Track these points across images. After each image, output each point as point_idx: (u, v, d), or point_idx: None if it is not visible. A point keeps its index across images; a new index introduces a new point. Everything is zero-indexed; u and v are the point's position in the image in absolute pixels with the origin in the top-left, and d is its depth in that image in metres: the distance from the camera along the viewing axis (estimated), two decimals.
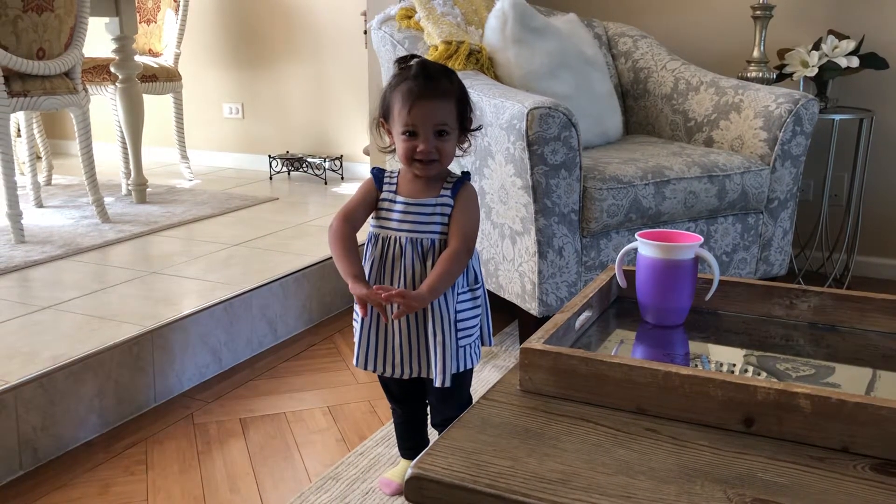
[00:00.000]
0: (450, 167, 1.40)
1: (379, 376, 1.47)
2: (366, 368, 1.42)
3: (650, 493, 0.76)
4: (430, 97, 1.30)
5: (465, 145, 1.40)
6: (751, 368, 1.10)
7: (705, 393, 0.89)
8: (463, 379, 1.44)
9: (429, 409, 1.55)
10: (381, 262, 1.37)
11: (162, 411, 1.93)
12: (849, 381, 1.07)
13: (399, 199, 1.37)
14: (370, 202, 1.40)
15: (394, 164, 1.54)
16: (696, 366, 1.12)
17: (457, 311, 1.37)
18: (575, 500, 0.76)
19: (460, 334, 1.38)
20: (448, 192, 1.36)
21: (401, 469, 1.58)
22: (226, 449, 1.75)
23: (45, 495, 1.58)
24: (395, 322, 1.37)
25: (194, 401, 1.99)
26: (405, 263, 1.35)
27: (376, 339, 1.39)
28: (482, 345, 1.46)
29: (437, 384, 1.37)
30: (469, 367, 1.42)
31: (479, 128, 1.41)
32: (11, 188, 2.64)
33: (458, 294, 1.38)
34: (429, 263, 1.34)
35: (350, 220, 1.38)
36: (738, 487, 0.77)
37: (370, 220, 1.41)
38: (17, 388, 1.65)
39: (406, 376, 1.41)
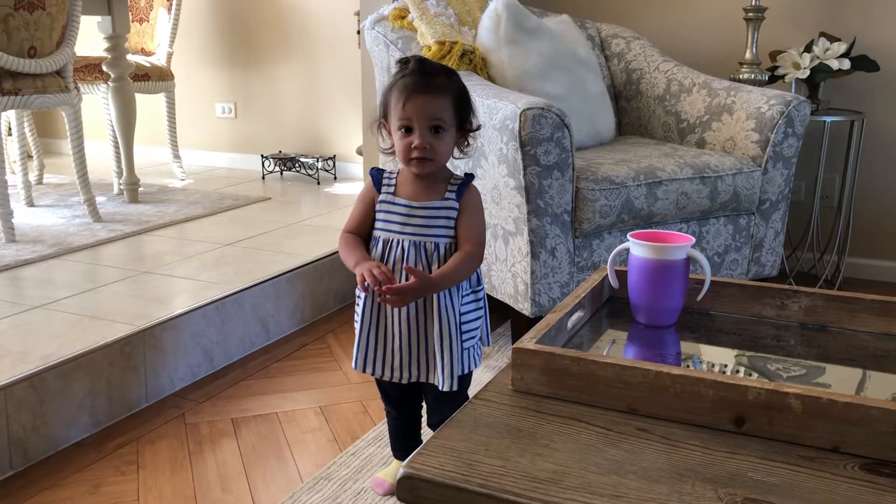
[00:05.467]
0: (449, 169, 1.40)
1: (376, 378, 1.46)
2: (364, 371, 1.41)
3: (641, 493, 0.77)
4: (425, 91, 1.29)
5: (466, 147, 1.38)
6: (742, 368, 1.10)
7: (696, 393, 0.89)
8: (464, 381, 1.43)
9: (425, 409, 1.55)
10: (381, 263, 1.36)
11: (153, 411, 1.93)
12: (839, 381, 1.08)
13: (400, 201, 1.36)
14: (372, 213, 1.39)
15: (393, 164, 1.53)
16: (688, 366, 1.12)
17: (461, 314, 1.37)
18: (566, 499, 0.76)
19: (464, 336, 1.38)
20: (453, 196, 1.35)
21: (393, 469, 1.58)
22: (217, 449, 1.75)
23: (35, 495, 1.57)
24: (395, 325, 1.36)
25: (186, 401, 1.98)
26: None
27: (375, 341, 1.38)
28: (482, 344, 1.46)
29: (445, 388, 1.36)
30: (472, 368, 1.42)
31: (478, 128, 1.39)
32: (2, 187, 2.63)
33: (463, 296, 1.38)
34: (434, 267, 1.33)
35: (355, 232, 1.40)
36: (728, 487, 0.78)
37: None
38: (8, 388, 1.64)
39: (405, 381, 1.40)
